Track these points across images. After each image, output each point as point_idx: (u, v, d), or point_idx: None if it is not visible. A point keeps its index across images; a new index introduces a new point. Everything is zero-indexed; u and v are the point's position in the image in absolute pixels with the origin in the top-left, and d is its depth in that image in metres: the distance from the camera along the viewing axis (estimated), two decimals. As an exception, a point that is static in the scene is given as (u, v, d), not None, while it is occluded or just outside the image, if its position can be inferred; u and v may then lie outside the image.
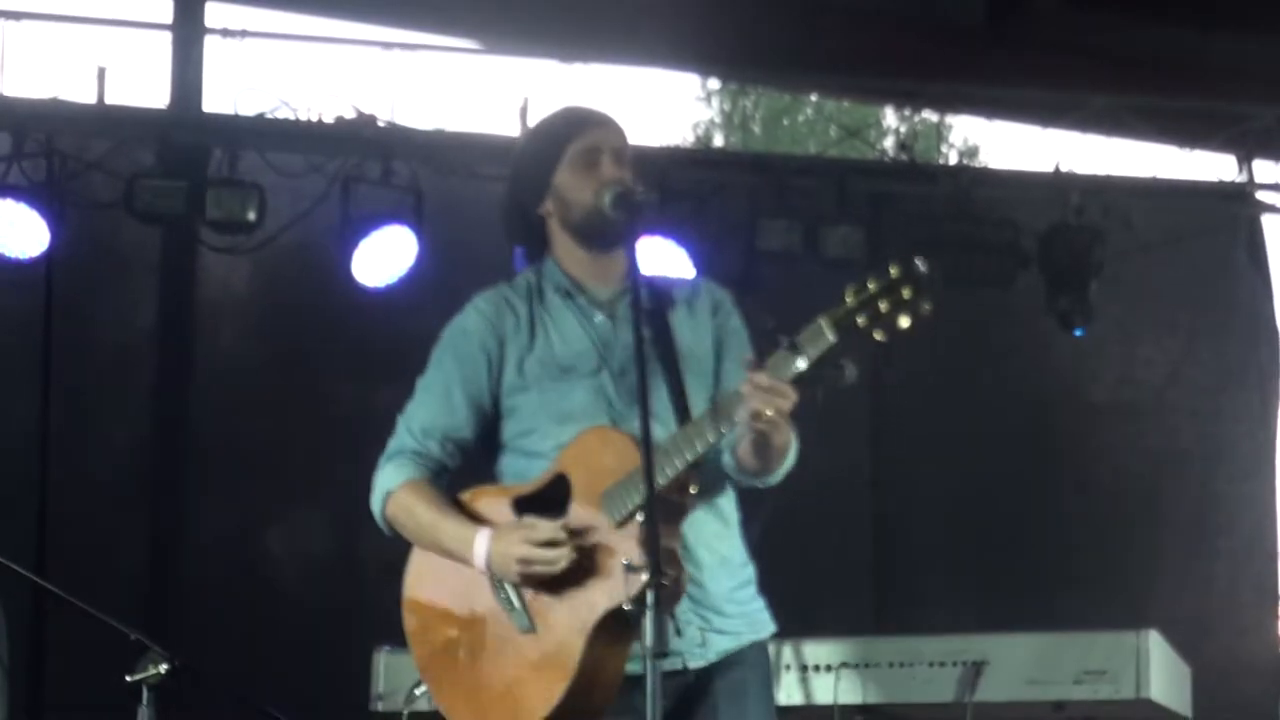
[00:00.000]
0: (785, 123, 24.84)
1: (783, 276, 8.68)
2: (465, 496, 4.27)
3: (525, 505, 4.16)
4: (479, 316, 4.31)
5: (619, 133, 4.32)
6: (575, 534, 4.04)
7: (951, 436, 9.60)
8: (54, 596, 4.94)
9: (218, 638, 8.38)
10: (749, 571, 4.29)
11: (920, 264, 3.67)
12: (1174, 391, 10.04)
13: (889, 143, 19.40)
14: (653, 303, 4.25)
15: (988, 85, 9.45)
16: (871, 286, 3.69)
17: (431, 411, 4.30)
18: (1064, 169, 9.42)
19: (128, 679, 4.70)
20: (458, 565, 4.19)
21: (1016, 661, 6.49)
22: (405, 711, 6.71)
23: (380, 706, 6.88)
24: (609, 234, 4.23)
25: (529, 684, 4.11)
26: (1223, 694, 8.42)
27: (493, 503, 4.22)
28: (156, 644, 4.73)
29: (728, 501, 4.26)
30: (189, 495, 9.19)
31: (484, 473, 4.35)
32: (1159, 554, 9.80)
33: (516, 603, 4.12)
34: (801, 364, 3.80)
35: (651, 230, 8.09)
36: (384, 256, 8.55)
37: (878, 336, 3.71)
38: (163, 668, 4.69)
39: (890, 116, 21.76)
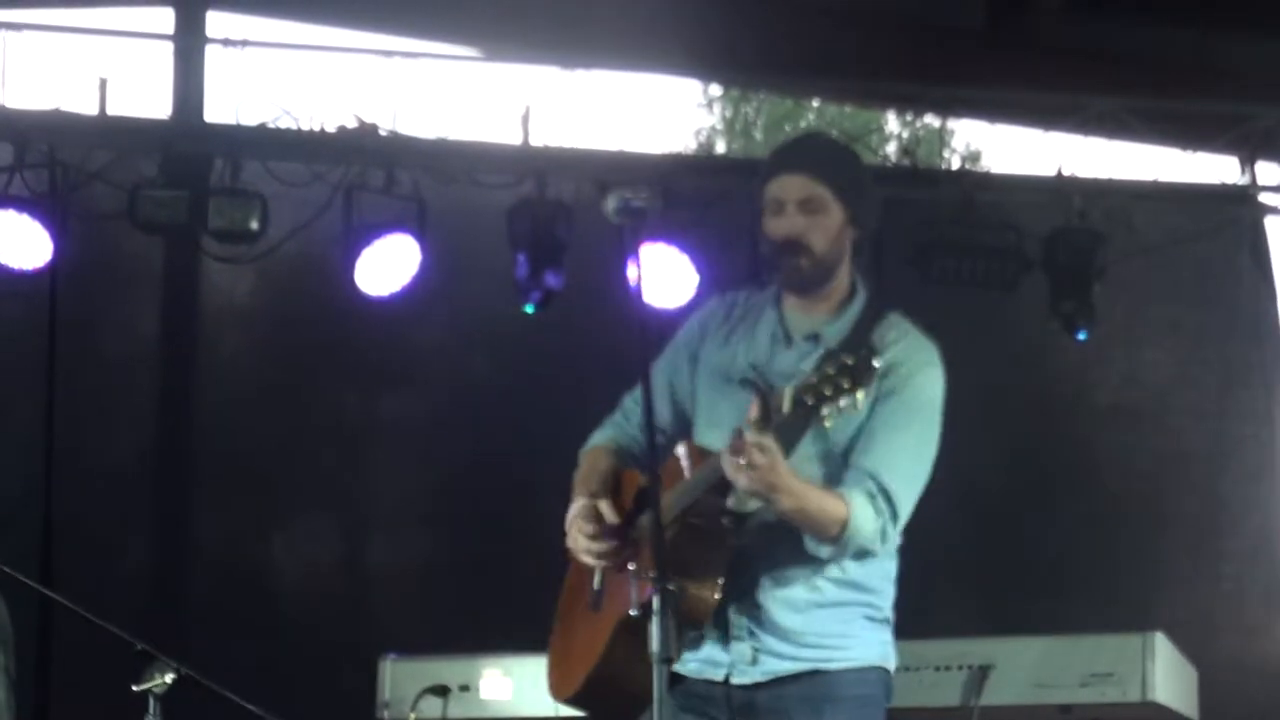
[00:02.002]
0: (787, 129, 24.74)
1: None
2: (624, 471, 4.47)
3: (640, 497, 4.32)
4: (702, 312, 4.53)
5: (814, 177, 4.36)
6: (636, 534, 4.24)
7: (955, 440, 9.57)
8: (59, 606, 4.95)
9: (223, 646, 8.37)
10: (864, 606, 4.31)
11: (865, 355, 3.85)
12: (1178, 393, 10.02)
13: (891, 148, 19.43)
14: (847, 342, 4.24)
15: (989, 89, 9.44)
16: (829, 370, 3.87)
17: None
18: (1066, 172, 9.37)
19: (134, 688, 4.71)
20: None
21: (1022, 665, 6.48)
22: (411, 718, 6.72)
23: (386, 715, 6.87)
24: (786, 283, 4.37)
25: (576, 659, 4.33)
26: (1229, 696, 8.40)
27: (629, 485, 4.41)
28: (162, 653, 4.74)
29: None
30: (194, 504, 9.20)
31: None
32: (1164, 556, 9.77)
33: (598, 583, 4.35)
34: (769, 427, 3.95)
35: (654, 237, 8.10)
36: (387, 265, 8.54)
37: (824, 417, 3.90)
38: (169, 677, 4.70)
39: (892, 121, 21.76)
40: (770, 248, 4.35)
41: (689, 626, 4.05)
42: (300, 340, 9.13)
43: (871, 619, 4.32)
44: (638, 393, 4.46)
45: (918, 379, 4.31)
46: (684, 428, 4.42)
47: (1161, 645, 6.47)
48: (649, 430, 3.85)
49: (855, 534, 4.17)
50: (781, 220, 4.32)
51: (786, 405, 3.90)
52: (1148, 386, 10.08)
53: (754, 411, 3.95)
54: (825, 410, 3.86)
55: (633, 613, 3.95)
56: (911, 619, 9.42)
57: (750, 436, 3.93)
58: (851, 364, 3.82)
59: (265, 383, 9.19)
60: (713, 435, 4.24)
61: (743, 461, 3.93)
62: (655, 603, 3.68)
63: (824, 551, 4.19)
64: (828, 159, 4.46)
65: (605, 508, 4.31)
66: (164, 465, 9.16)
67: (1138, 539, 9.73)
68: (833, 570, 4.25)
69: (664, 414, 4.41)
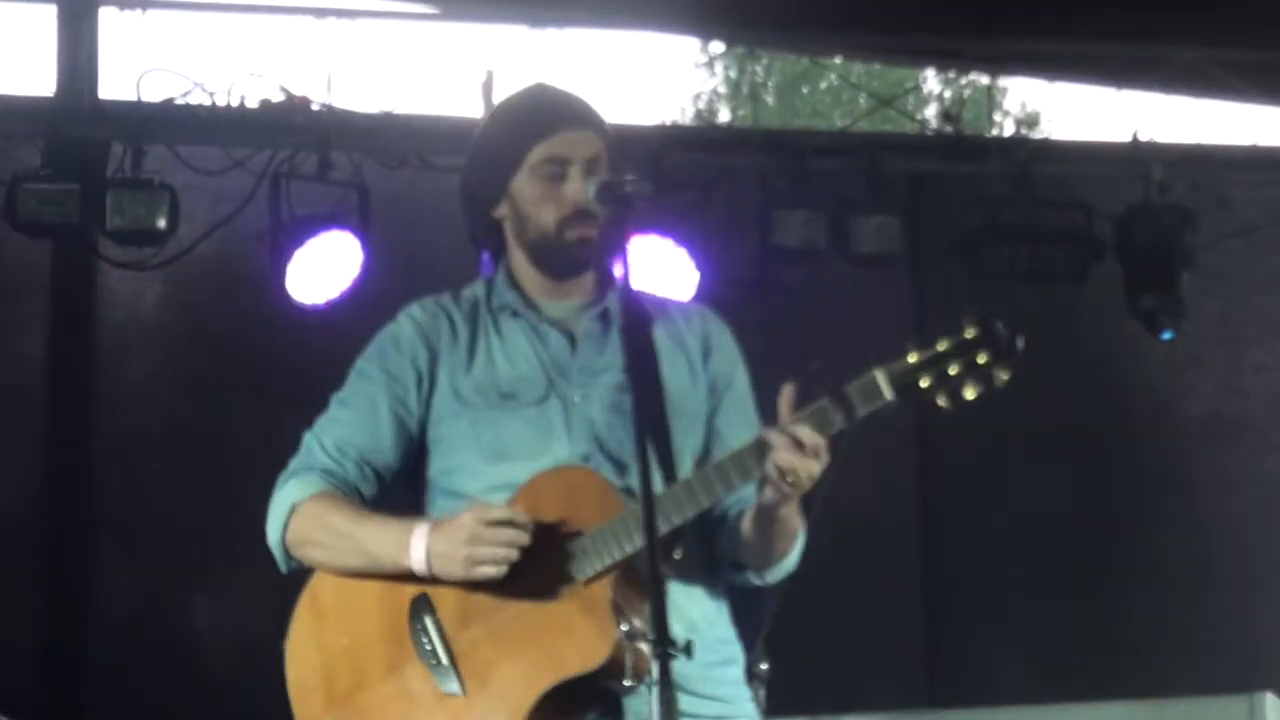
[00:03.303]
0: (804, 91, 24.91)
1: (804, 279, 8.68)
2: None
3: None
4: (413, 326, 4.41)
5: (597, 134, 4.38)
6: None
7: (1017, 466, 9.60)
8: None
9: (133, 735, 8.40)
10: (734, 655, 4.36)
11: (1001, 326, 3.82)
12: (1289, 403, 10.09)
13: (931, 112, 19.47)
14: (635, 325, 4.29)
15: (1048, 40, 9.43)
16: (942, 345, 3.83)
17: (349, 428, 4.36)
18: (1144, 138, 9.42)
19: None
20: (371, 603, 4.24)
21: (1103, 737, 6.52)
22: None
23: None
24: (567, 263, 4.35)
25: None
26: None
27: None
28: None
29: (710, 572, 4.31)
30: (94, 561, 9.15)
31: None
32: (1275, 600, 9.81)
33: (444, 658, 4.16)
34: (845, 422, 3.92)
35: (643, 227, 8.10)
36: (323, 267, 8.55)
37: (941, 403, 3.85)
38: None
39: (932, 80, 21.84)
40: (549, 221, 4.31)
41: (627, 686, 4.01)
42: (220, 360, 9.13)
43: (741, 673, 4.37)
44: (342, 433, 4.36)
45: (737, 356, 4.42)
46: (405, 462, 4.37)
47: (1274, 708, 6.50)
48: (640, 444, 3.86)
49: (797, 550, 4.24)
50: (569, 185, 4.30)
51: (887, 392, 3.88)
52: (1251, 395, 10.13)
53: (789, 404, 3.95)
54: (945, 395, 3.85)
55: (628, 683, 3.94)
56: (967, 683, 9.42)
57: (809, 437, 3.92)
58: (974, 337, 3.82)
59: (178, 412, 9.17)
60: (509, 468, 4.21)
61: (804, 475, 3.93)
62: (654, 672, 3.69)
63: (767, 575, 4.25)
64: (598, 114, 4.43)
65: (521, 514, 4.12)
66: (57, 513, 9.12)
67: (1243, 579, 9.79)
68: (710, 606, 4.30)
69: (384, 452, 4.34)
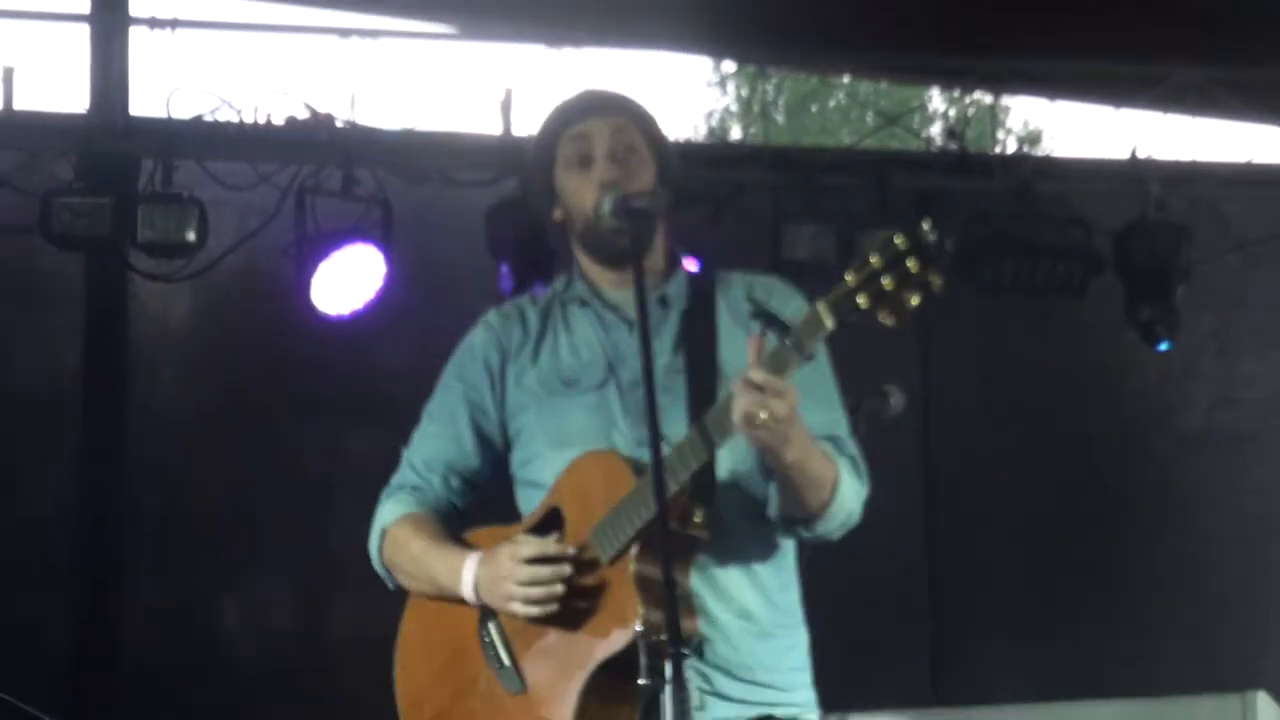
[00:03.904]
0: (813, 110, 24.92)
1: (813, 292, 8.73)
2: (468, 535, 4.42)
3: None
4: (485, 331, 4.50)
5: (625, 117, 4.46)
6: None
7: (1018, 475, 9.58)
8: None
9: (162, 734, 8.47)
10: (794, 638, 4.36)
11: (927, 230, 3.74)
12: (1281, 413, 10.13)
13: (936, 130, 19.50)
14: (697, 304, 4.39)
15: (1051, 59, 9.45)
16: (874, 260, 3.77)
17: (434, 442, 4.49)
18: (1142, 155, 9.43)
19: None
20: (449, 622, 4.34)
21: (1101, 734, 6.58)
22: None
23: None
24: (613, 249, 4.37)
25: None
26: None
27: (491, 541, 4.33)
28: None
29: (766, 551, 4.31)
30: (126, 567, 9.20)
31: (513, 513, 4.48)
32: (1269, 605, 9.88)
33: (506, 659, 4.25)
34: (801, 359, 3.92)
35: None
36: (348, 280, 8.61)
37: (884, 320, 3.79)
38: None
39: (937, 99, 21.86)
40: (587, 207, 4.34)
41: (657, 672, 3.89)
42: (248, 370, 9.20)
43: (803, 654, 4.36)
44: (429, 448, 4.47)
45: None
46: (492, 465, 4.46)
47: (1265, 706, 6.59)
48: (655, 446, 3.88)
49: (843, 500, 4.20)
50: (596, 168, 4.36)
51: (828, 320, 3.84)
52: (1246, 406, 10.18)
53: (756, 353, 3.95)
54: (886, 311, 3.76)
55: (642, 682, 3.85)
56: (970, 682, 9.44)
57: (762, 378, 3.90)
58: (903, 245, 3.71)
59: (208, 421, 9.24)
60: (565, 455, 4.25)
61: (764, 415, 3.89)
62: (668, 670, 3.73)
63: (818, 528, 4.21)
64: (633, 104, 4.50)
65: (532, 536, 4.23)
66: (90, 520, 9.15)
67: (1237, 585, 9.84)
68: (769, 586, 4.30)
69: (469, 459, 4.45)
